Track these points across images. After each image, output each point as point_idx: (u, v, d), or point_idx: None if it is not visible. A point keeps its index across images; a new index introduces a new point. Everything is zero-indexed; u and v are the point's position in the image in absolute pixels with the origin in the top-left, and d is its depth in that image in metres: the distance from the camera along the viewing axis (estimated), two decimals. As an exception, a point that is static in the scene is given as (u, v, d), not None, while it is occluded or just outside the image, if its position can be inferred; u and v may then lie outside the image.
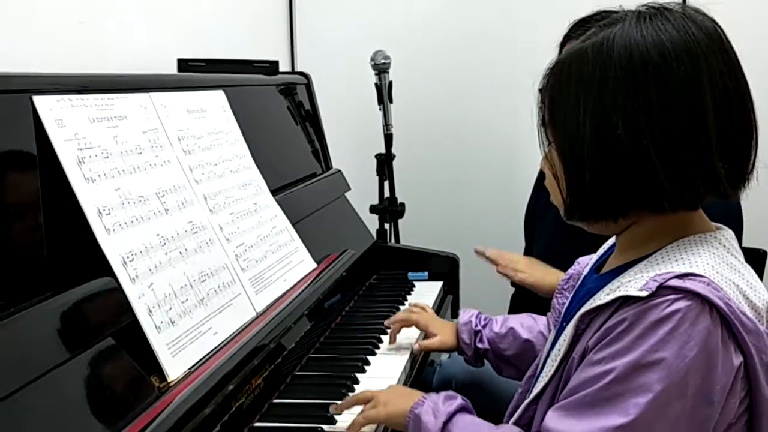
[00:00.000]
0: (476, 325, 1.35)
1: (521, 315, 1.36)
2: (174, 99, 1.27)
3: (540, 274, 1.64)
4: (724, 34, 0.90)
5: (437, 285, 1.84)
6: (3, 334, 0.81)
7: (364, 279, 1.85)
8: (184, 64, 1.76)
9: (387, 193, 2.22)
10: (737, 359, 0.82)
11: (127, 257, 0.99)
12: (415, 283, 1.84)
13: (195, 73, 1.73)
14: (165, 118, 1.22)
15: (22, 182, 0.92)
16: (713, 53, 0.86)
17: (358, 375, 1.30)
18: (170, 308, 1.03)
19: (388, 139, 2.18)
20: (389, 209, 2.20)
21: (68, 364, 0.86)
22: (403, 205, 2.22)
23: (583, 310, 0.90)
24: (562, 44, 1.59)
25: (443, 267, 1.89)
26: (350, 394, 1.23)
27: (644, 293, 0.82)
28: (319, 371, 1.33)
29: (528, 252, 1.87)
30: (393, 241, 2.24)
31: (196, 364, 1.02)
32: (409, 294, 1.77)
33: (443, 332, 1.37)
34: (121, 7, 1.76)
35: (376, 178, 2.22)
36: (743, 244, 1.77)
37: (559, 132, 0.91)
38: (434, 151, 2.61)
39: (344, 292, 1.67)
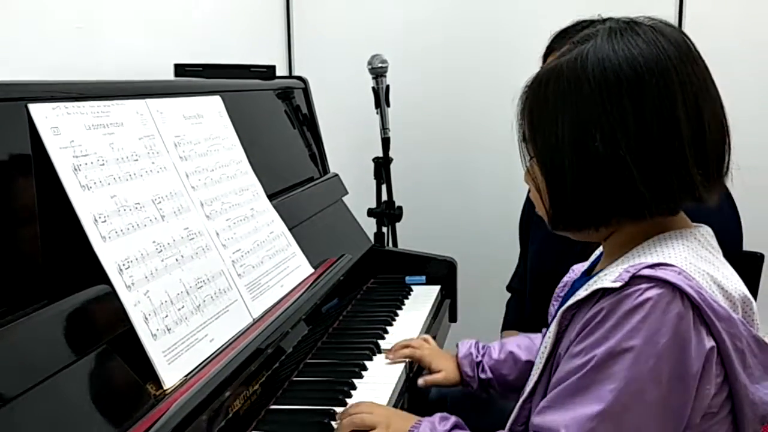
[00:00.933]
0: (476, 356, 1.35)
1: (517, 337, 1.37)
2: (170, 105, 1.27)
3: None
4: (693, 45, 0.94)
5: (435, 289, 1.84)
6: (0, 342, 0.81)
7: (361, 283, 1.85)
8: (181, 70, 1.76)
9: (384, 197, 2.22)
10: (709, 343, 0.85)
11: (123, 264, 0.99)
12: (413, 287, 1.84)
13: (192, 78, 1.73)
14: (161, 125, 1.22)
15: (18, 190, 0.92)
16: (683, 64, 0.90)
17: (356, 381, 1.30)
18: (166, 315, 1.02)
19: (386, 142, 2.19)
20: (387, 213, 2.20)
21: (64, 373, 0.86)
22: (400, 208, 2.22)
23: (564, 306, 0.94)
24: (545, 56, 1.59)
25: (441, 271, 1.89)
26: (348, 400, 1.23)
27: (618, 284, 0.86)
28: (317, 377, 1.33)
29: (523, 256, 1.87)
30: (390, 244, 2.24)
31: (192, 371, 1.02)
32: (407, 298, 1.77)
33: (446, 368, 1.36)
34: (119, 13, 1.76)
35: (374, 181, 2.22)
36: (743, 250, 1.78)
37: (539, 146, 0.95)
38: (432, 155, 2.61)
39: (341, 296, 1.67)
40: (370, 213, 2.20)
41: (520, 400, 1.00)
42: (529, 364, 1.31)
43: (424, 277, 1.87)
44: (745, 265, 1.79)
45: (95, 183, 1.01)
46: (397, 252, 2.00)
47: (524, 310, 1.81)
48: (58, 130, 0.98)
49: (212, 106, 1.42)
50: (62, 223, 0.96)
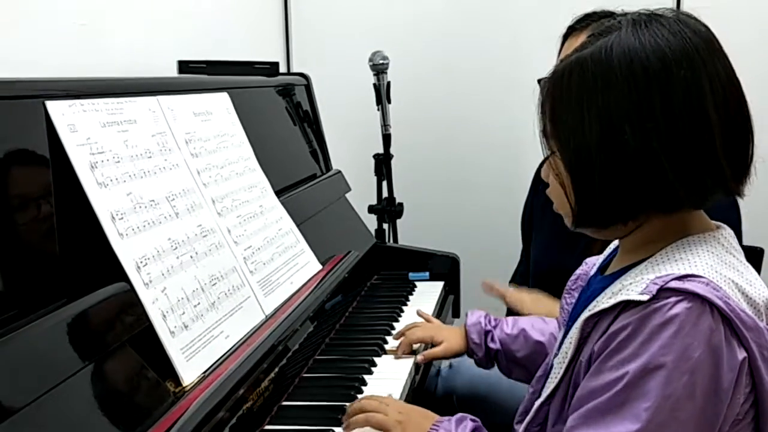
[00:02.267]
0: (486, 326, 1.35)
1: (531, 317, 1.37)
2: (180, 102, 1.27)
3: (544, 311, 1.62)
4: (716, 38, 0.93)
5: (438, 285, 1.84)
6: (20, 343, 0.81)
7: (365, 279, 1.85)
8: (185, 66, 1.76)
9: (385, 194, 2.22)
10: (741, 354, 0.84)
11: (141, 262, 0.99)
12: (417, 283, 1.85)
13: (196, 74, 1.73)
14: (172, 122, 1.22)
15: (36, 187, 0.91)
16: (709, 55, 0.89)
17: (366, 377, 1.31)
18: (183, 312, 1.03)
19: (387, 139, 2.19)
20: (388, 209, 2.21)
21: (84, 371, 0.86)
22: (401, 205, 2.23)
23: (587, 314, 0.91)
24: (565, 36, 1.60)
25: (444, 267, 1.90)
26: (359, 396, 1.24)
27: (645, 297, 0.84)
28: (327, 373, 1.33)
29: (526, 252, 1.88)
30: (391, 241, 2.24)
31: (209, 368, 1.02)
32: (411, 294, 1.77)
33: (449, 338, 1.37)
34: (121, 10, 1.75)
35: (375, 178, 2.22)
36: (742, 243, 1.80)
37: (563, 140, 0.92)
38: (433, 151, 2.62)
39: (346, 293, 1.67)
40: (371, 210, 2.20)
41: (538, 402, 0.98)
42: (540, 344, 1.32)
43: (427, 273, 1.88)
44: (747, 259, 1.81)
45: (111, 180, 1.01)
46: (400, 248, 2.01)
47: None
48: (75, 128, 0.98)
49: (220, 103, 1.42)
50: (79, 221, 0.95)
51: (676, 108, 0.86)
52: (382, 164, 2.20)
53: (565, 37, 1.60)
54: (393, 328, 1.56)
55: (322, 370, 1.35)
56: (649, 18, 0.92)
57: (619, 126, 0.87)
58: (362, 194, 2.18)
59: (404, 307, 1.68)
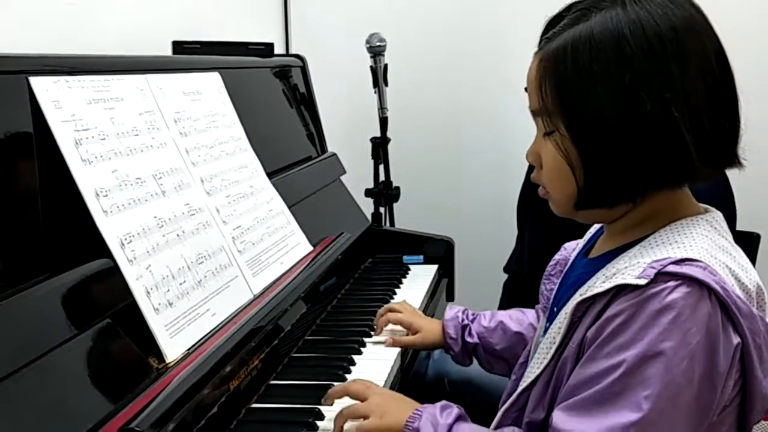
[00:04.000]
0: (463, 320, 1.33)
1: (509, 310, 1.35)
2: (170, 81, 1.27)
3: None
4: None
5: (432, 268, 1.84)
6: (1, 315, 0.81)
7: (359, 262, 1.85)
8: (179, 47, 1.75)
9: (382, 177, 2.22)
10: (735, 339, 0.83)
11: (125, 239, 0.99)
12: (411, 266, 1.85)
13: (191, 54, 1.73)
14: (161, 100, 1.22)
15: (20, 164, 0.92)
16: (704, 25, 0.89)
17: (355, 357, 1.31)
18: (168, 290, 1.03)
19: (383, 122, 2.18)
20: (384, 193, 2.20)
21: (67, 346, 0.86)
22: (398, 188, 2.22)
23: (579, 297, 0.89)
24: (543, 33, 1.59)
25: (438, 250, 1.90)
26: (347, 376, 1.24)
27: (643, 281, 0.82)
28: (316, 353, 1.34)
29: (521, 237, 1.88)
30: (388, 224, 2.24)
31: (194, 345, 1.02)
32: (404, 277, 1.77)
33: (426, 330, 1.35)
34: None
35: (371, 161, 2.22)
36: (738, 227, 1.80)
37: (574, 117, 0.88)
38: (430, 135, 2.61)
39: (340, 275, 1.67)
40: (368, 193, 2.19)
41: (520, 388, 0.97)
42: (519, 335, 1.30)
43: (421, 257, 1.88)
44: (742, 244, 1.81)
45: (96, 157, 1.01)
46: (395, 231, 2.00)
47: (521, 291, 1.82)
48: (59, 104, 0.98)
49: (211, 83, 1.42)
50: (64, 197, 0.96)
51: (692, 75, 0.85)
52: (379, 148, 2.19)
53: (543, 35, 1.58)
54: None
55: (312, 350, 1.35)
56: None
57: (637, 96, 0.84)
58: (359, 178, 2.18)
59: (397, 290, 1.69)
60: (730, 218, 1.62)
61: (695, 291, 0.81)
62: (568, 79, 0.88)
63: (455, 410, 1.00)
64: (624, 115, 0.85)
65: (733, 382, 0.84)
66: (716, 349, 0.81)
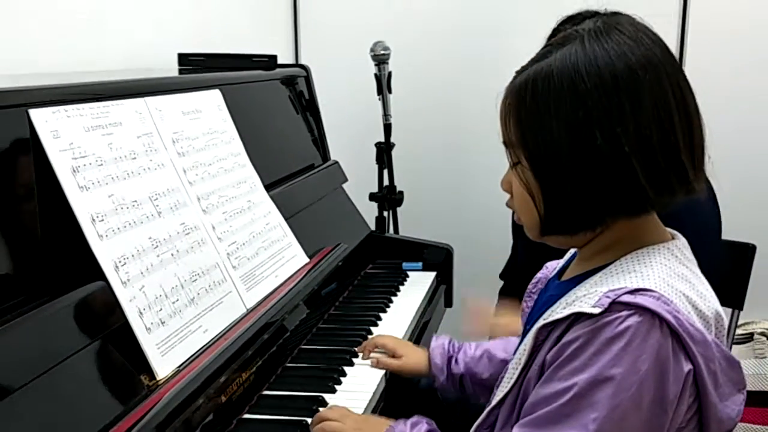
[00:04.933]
0: (450, 351, 1.36)
1: (495, 340, 1.38)
2: (169, 102, 1.32)
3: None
4: (666, 45, 0.96)
5: (430, 275, 1.89)
6: (8, 338, 0.87)
7: (360, 268, 1.90)
8: (184, 59, 1.81)
9: (386, 182, 2.26)
10: (687, 366, 0.87)
11: (119, 261, 1.05)
12: (409, 273, 1.89)
13: (195, 65, 1.78)
14: (159, 122, 1.27)
15: (20, 192, 0.97)
16: (666, 60, 0.92)
17: (346, 368, 1.36)
18: (160, 309, 1.08)
19: (387, 128, 2.22)
20: (388, 197, 2.25)
21: (63, 365, 0.92)
22: (401, 193, 2.26)
23: (541, 322, 0.94)
24: (550, 37, 1.61)
25: (437, 258, 1.94)
26: (337, 387, 1.29)
27: (597, 310, 0.87)
28: (310, 363, 1.39)
29: (514, 248, 1.91)
30: (392, 228, 2.29)
31: (184, 362, 1.08)
32: (402, 285, 1.82)
33: (409, 355, 1.38)
34: (122, 3, 1.80)
35: (376, 166, 2.26)
36: (733, 238, 1.81)
37: (532, 150, 0.93)
38: (434, 141, 2.64)
39: (341, 280, 1.72)
40: (372, 197, 2.24)
41: (489, 406, 1.01)
42: (505, 363, 1.34)
43: (420, 264, 1.92)
44: (737, 255, 1.83)
45: (93, 183, 1.06)
46: (395, 239, 2.05)
47: (516, 297, 1.85)
48: (58, 134, 1.03)
49: (211, 101, 1.47)
50: (62, 223, 1.01)
51: (645, 111, 0.89)
52: (383, 153, 2.23)
53: (550, 38, 1.61)
54: (380, 318, 1.61)
55: (305, 360, 1.41)
56: (608, 27, 0.94)
57: (589, 132, 0.89)
58: (364, 182, 2.22)
59: (393, 298, 1.73)
60: (715, 227, 1.63)
61: (647, 320, 0.85)
62: (528, 114, 0.93)
63: (425, 426, 1.07)
64: (577, 149, 0.90)
65: (686, 406, 0.89)
66: (666, 376, 0.85)
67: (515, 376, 0.98)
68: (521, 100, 0.93)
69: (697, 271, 0.99)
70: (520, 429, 0.92)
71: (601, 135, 0.88)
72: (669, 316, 0.86)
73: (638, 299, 0.86)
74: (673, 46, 2.37)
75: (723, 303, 1.81)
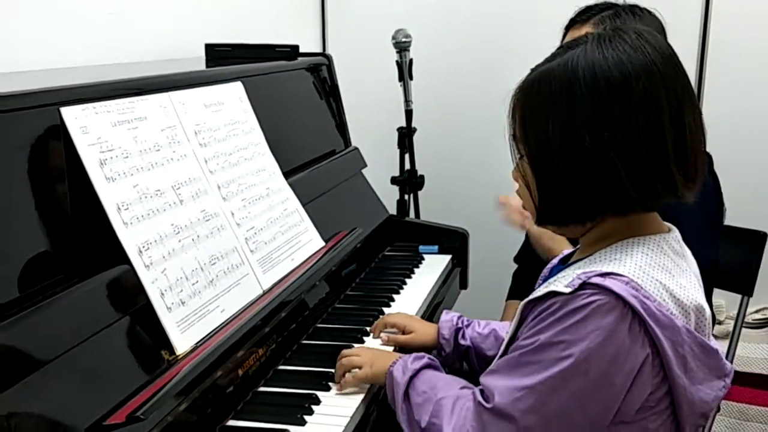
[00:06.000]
0: (458, 324, 1.44)
1: (503, 321, 1.47)
2: (192, 96, 1.41)
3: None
4: (675, 54, 1.01)
5: (445, 258, 1.96)
6: (37, 317, 0.98)
7: (378, 251, 1.98)
8: (211, 50, 1.89)
9: (408, 166, 2.33)
10: (643, 352, 0.94)
11: (143, 246, 1.14)
12: (425, 256, 1.97)
13: (221, 56, 1.86)
14: (183, 115, 1.36)
15: (53, 184, 1.07)
16: (667, 70, 0.97)
17: (356, 345, 1.45)
18: (181, 290, 1.18)
19: (408, 114, 2.28)
20: (409, 181, 2.32)
21: (90, 341, 1.02)
22: (422, 177, 2.33)
23: (525, 300, 1.04)
24: (567, 28, 1.66)
25: (453, 241, 2.01)
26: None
27: (568, 290, 0.96)
28: (324, 340, 1.48)
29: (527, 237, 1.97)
30: (412, 211, 2.36)
31: (202, 339, 1.17)
32: (417, 267, 1.89)
33: (419, 331, 1.46)
34: (151, -2, 1.88)
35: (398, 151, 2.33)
36: (744, 226, 1.84)
37: (530, 145, 1.02)
38: (454, 127, 2.70)
39: (360, 262, 1.81)
40: (393, 181, 2.31)
41: (483, 376, 1.09)
42: None
43: (437, 247, 2.00)
44: (749, 243, 1.86)
45: (119, 174, 1.16)
46: (413, 222, 2.12)
47: (527, 282, 1.91)
48: (87, 129, 1.13)
49: (233, 93, 1.55)
50: (91, 212, 1.11)
51: (634, 119, 0.95)
52: (405, 138, 2.30)
53: (567, 29, 1.66)
54: (393, 300, 1.69)
55: (320, 337, 1.50)
56: (613, 34, 1.00)
57: (579, 134, 0.96)
58: (386, 166, 2.30)
59: (408, 280, 1.81)
60: (718, 212, 1.66)
61: (610, 301, 0.94)
62: (530, 112, 1.02)
63: (425, 360, 1.19)
64: (568, 149, 0.97)
65: (649, 387, 0.96)
66: (617, 355, 0.94)
67: (503, 349, 1.08)
68: (526, 98, 1.02)
69: (685, 265, 1.05)
70: (491, 368, 1.05)
71: (590, 138, 0.96)
72: (633, 300, 0.93)
73: (606, 282, 0.95)
74: (695, 36, 2.37)
75: (733, 289, 1.86)
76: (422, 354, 1.23)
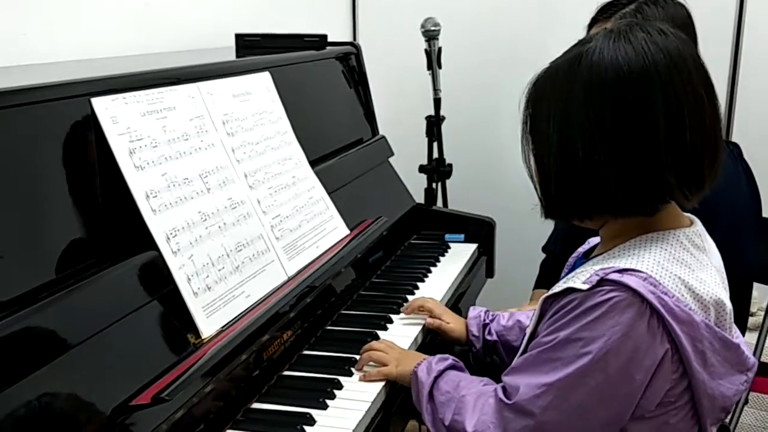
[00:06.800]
0: (484, 320, 1.46)
1: (528, 309, 1.48)
2: (220, 86, 1.44)
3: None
4: (691, 55, 0.98)
5: (471, 247, 1.97)
6: (68, 300, 1.02)
7: (404, 239, 2.00)
8: (240, 39, 1.92)
9: (436, 154, 2.34)
10: (662, 348, 0.94)
11: (171, 233, 1.18)
12: (451, 244, 1.98)
13: (251, 46, 1.89)
14: (211, 105, 1.39)
15: (85, 173, 1.11)
16: (669, 73, 0.95)
17: (379, 332, 1.47)
18: (207, 276, 1.21)
19: (437, 103, 2.29)
20: (437, 170, 2.33)
21: (119, 323, 1.06)
22: (450, 165, 2.34)
23: (545, 295, 1.05)
24: (590, 26, 1.65)
25: (480, 230, 2.02)
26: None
27: (586, 286, 0.96)
28: (348, 327, 1.51)
29: (557, 222, 1.96)
30: (440, 199, 2.37)
31: (228, 323, 1.21)
32: (443, 255, 1.91)
33: (454, 323, 1.49)
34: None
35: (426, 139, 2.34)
36: (760, 214, 1.81)
37: (534, 142, 1.04)
38: (483, 116, 2.70)
39: (386, 249, 1.84)
40: (421, 169, 2.32)
41: (505, 372, 1.10)
42: None
43: (462, 236, 2.01)
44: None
45: (148, 163, 1.19)
46: (440, 211, 2.13)
47: (555, 271, 1.91)
48: (116, 119, 1.16)
49: (261, 83, 1.58)
50: (121, 199, 1.15)
51: (626, 124, 0.95)
52: (433, 126, 2.31)
53: (590, 26, 1.65)
54: (417, 287, 1.71)
55: (344, 324, 1.52)
56: (623, 31, 0.99)
57: (573, 136, 0.97)
58: (415, 155, 2.31)
59: (433, 268, 1.82)
60: (756, 204, 1.64)
61: (627, 297, 0.94)
62: (536, 107, 1.03)
63: (449, 361, 1.21)
64: (561, 150, 0.99)
65: (669, 382, 0.96)
66: (636, 351, 0.94)
67: (525, 344, 1.09)
68: (534, 95, 1.04)
69: (706, 259, 1.04)
70: (513, 366, 1.06)
71: (581, 141, 0.96)
72: (651, 296, 0.93)
73: (624, 278, 0.94)
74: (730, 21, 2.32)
75: (765, 281, 1.82)
76: (446, 356, 1.25)
